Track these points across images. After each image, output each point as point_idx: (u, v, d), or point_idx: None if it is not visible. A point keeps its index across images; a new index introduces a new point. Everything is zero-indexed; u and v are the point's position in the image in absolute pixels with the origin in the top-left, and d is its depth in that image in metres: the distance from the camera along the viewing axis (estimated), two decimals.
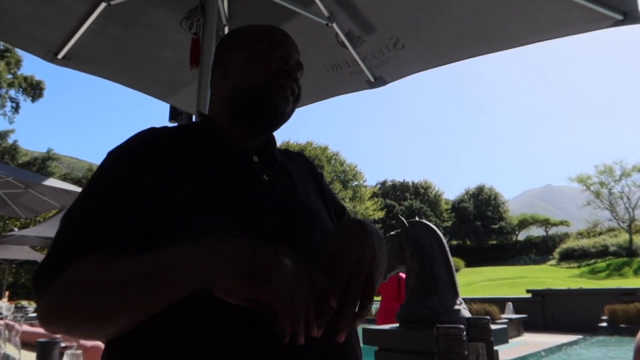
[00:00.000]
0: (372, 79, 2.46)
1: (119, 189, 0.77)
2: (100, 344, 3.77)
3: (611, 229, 45.39)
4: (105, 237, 0.73)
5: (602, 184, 47.26)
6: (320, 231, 0.86)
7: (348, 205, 34.93)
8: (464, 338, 0.63)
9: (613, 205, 46.53)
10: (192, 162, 0.82)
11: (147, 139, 0.84)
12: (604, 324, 11.17)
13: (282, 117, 0.92)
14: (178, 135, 0.89)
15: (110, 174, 0.80)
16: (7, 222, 19.53)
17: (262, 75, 0.89)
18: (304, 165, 1.04)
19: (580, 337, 10.87)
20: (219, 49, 1.00)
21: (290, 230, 0.81)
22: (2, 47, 29.52)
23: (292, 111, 0.95)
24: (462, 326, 0.64)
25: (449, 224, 57.85)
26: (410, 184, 62.33)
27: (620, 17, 1.77)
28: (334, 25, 2.24)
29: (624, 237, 39.86)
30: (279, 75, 0.89)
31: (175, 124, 1.94)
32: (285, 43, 0.95)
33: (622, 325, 10.72)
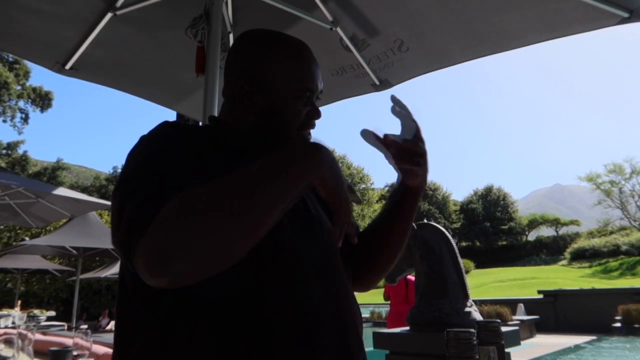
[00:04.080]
0: (377, 82, 2.47)
1: (189, 162, 0.75)
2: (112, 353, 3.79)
3: (623, 228, 44.86)
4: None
5: (612, 182, 46.80)
6: (326, 230, 0.93)
7: (356, 208, 34.87)
8: (475, 342, 0.63)
9: (624, 203, 46.06)
10: (208, 156, 0.80)
11: (175, 125, 0.84)
12: (618, 325, 11.01)
13: None
14: (194, 130, 0.89)
15: (173, 149, 0.77)
16: (19, 232, 19.73)
17: (293, 124, 0.90)
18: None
19: (594, 337, 10.73)
20: (239, 58, 0.95)
21: (302, 227, 0.87)
22: (11, 59, 29.98)
23: None
24: (472, 330, 0.64)
25: (457, 225, 57.53)
26: None
27: (626, 15, 1.76)
28: (338, 29, 2.25)
29: (636, 236, 39.36)
30: (307, 123, 0.92)
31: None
32: (313, 75, 0.93)
33: (637, 326, 10.57)
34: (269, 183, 0.66)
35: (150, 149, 0.77)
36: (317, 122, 0.96)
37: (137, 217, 0.65)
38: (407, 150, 0.93)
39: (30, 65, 31.27)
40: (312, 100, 0.93)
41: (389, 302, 5.69)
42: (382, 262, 1.06)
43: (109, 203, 6.89)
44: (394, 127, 0.98)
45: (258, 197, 0.64)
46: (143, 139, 0.80)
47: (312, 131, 0.96)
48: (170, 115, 2.88)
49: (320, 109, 0.98)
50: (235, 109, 0.93)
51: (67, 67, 2.32)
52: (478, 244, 57.33)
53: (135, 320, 0.77)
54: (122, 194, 0.72)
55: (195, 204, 0.62)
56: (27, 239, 15.31)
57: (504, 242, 56.31)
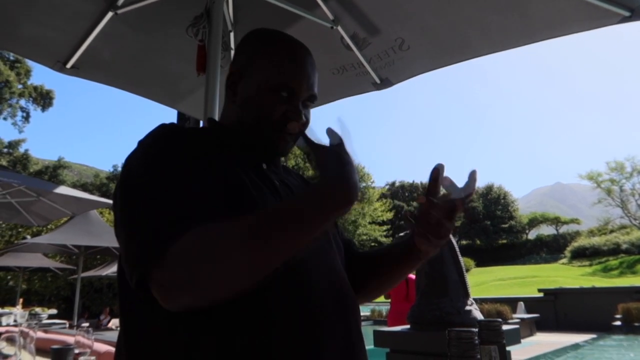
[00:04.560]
0: (378, 81, 2.47)
1: (191, 169, 0.75)
2: (113, 350, 3.80)
3: (623, 227, 44.77)
4: (203, 212, 0.70)
5: (612, 181, 46.76)
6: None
7: (356, 207, 34.83)
8: (476, 341, 0.63)
9: (624, 202, 46.02)
10: (210, 157, 0.81)
11: (172, 128, 0.84)
12: (618, 323, 11.01)
13: (283, 155, 0.94)
14: (193, 132, 0.90)
15: (173, 156, 0.77)
16: (20, 230, 19.75)
17: (266, 120, 0.87)
18: (303, 182, 1.06)
19: (594, 336, 10.73)
20: (239, 51, 0.97)
21: None
22: (12, 58, 29.95)
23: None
24: (474, 330, 0.64)
25: (458, 223, 56.98)
26: (419, 184, 62.11)
27: (627, 14, 1.75)
28: (339, 28, 2.25)
29: (636, 235, 39.28)
30: (284, 123, 0.88)
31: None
32: (301, 77, 0.89)
33: (637, 324, 10.57)
34: (291, 228, 0.67)
35: (150, 158, 0.77)
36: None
37: (150, 247, 0.66)
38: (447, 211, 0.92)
39: (31, 64, 31.23)
40: (294, 101, 0.88)
41: (389, 300, 5.69)
42: (368, 293, 1.06)
43: (109, 201, 6.89)
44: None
45: (277, 241, 0.66)
46: (141, 144, 0.80)
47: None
48: (172, 114, 2.88)
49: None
50: (227, 103, 0.95)
51: (68, 65, 2.32)
52: (478, 242, 57.30)
53: (138, 318, 0.78)
54: (129, 212, 0.72)
55: (211, 247, 0.65)
56: (28, 237, 15.32)
57: (505, 241, 56.27)
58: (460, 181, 0.91)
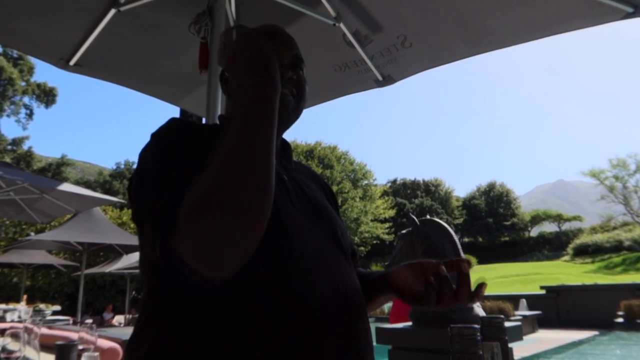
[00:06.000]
0: (380, 78, 2.46)
1: (197, 156, 0.76)
2: (117, 346, 3.82)
3: (625, 224, 44.67)
4: None
5: (616, 177, 46.63)
6: (334, 222, 0.95)
7: (358, 204, 34.83)
8: (479, 338, 0.63)
9: (627, 199, 45.90)
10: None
11: (182, 121, 0.87)
12: (620, 320, 11.01)
13: (285, 119, 0.94)
14: (202, 126, 0.93)
15: (181, 144, 0.81)
16: (24, 227, 19.85)
17: None
18: (313, 178, 1.08)
19: (596, 333, 10.74)
20: (220, 54, 1.00)
21: (311, 221, 0.89)
22: (15, 55, 30.05)
23: (298, 109, 0.96)
24: (476, 326, 0.65)
25: (460, 221, 57.45)
26: (421, 181, 62.04)
27: (630, 10, 1.75)
28: (341, 25, 2.25)
29: (638, 232, 39.19)
30: None
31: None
32: (275, 42, 0.92)
33: (639, 321, 10.57)
34: (253, 142, 0.66)
35: (161, 143, 0.81)
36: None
37: (163, 213, 0.68)
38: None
39: (34, 61, 31.35)
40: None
41: None
42: None
43: (113, 199, 6.92)
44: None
45: (252, 153, 0.65)
46: (153, 135, 0.84)
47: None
48: (175, 111, 2.89)
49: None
50: (226, 99, 0.98)
51: (72, 63, 2.32)
52: (481, 239, 57.27)
53: (152, 311, 0.79)
54: (138, 188, 0.76)
55: (205, 186, 0.65)
56: (32, 234, 15.39)
57: (507, 238, 56.23)
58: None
